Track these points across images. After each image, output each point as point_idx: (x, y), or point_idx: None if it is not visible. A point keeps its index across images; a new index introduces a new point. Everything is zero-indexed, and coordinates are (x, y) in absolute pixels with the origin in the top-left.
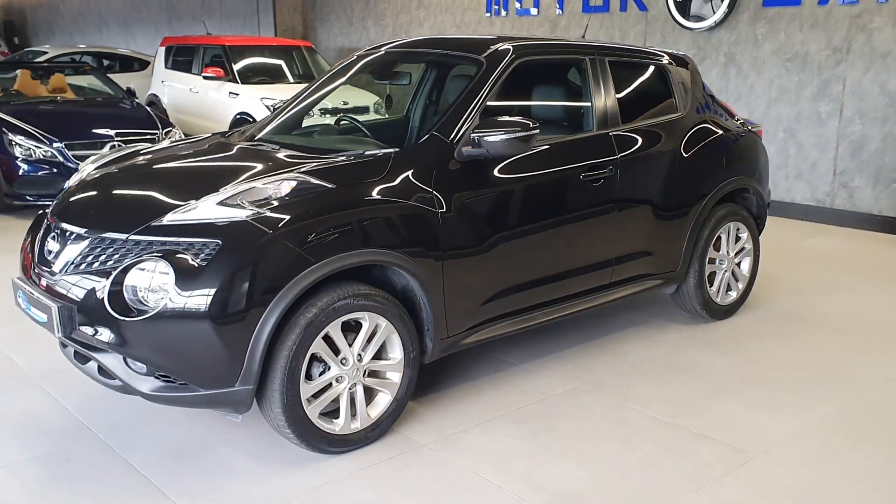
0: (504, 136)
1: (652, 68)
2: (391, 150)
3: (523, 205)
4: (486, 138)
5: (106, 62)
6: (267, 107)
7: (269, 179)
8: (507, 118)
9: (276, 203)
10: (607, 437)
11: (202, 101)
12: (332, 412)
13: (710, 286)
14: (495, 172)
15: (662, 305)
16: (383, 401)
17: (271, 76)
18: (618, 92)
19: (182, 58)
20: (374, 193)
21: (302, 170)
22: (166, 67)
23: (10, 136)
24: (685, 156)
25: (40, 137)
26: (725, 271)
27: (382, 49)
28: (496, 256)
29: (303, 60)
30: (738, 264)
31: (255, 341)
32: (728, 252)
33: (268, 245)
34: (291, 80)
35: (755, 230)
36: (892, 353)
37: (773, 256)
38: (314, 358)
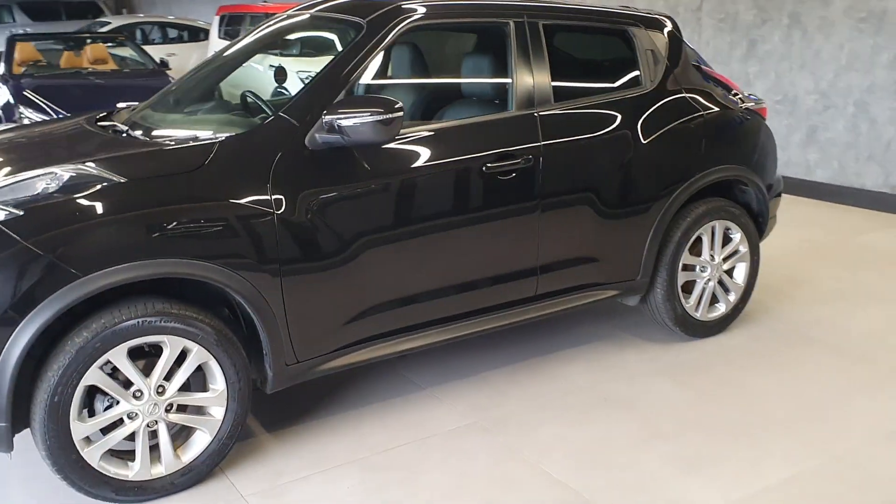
0: (360, 119)
1: (609, 33)
2: (225, 135)
3: (400, 204)
4: (339, 121)
5: (174, 32)
6: (301, 80)
7: (40, 172)
8: (367, 96)
9: (41, 202)
10: (472, 498)
11: (246, 73)
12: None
13: (688, 298)
14: (363, 164)
15: (640, 314)
16: (200, 441)
17: (317, 49)
18: (556, 62)
19: (233, 27)
20: (181, 190)
21: (89, 160)
22: (220, 37)
23: (21, 108)
24: (643, 140)
25: (48, 111)
26: (709, 280)
27: (288, 14)
28: (362, 267)
29: None
30: (730, 271)
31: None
32: (712, 257)
33: (17, 255)
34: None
35: (753, 231)
36: None
37: (813, 255)
38: (98, 390)
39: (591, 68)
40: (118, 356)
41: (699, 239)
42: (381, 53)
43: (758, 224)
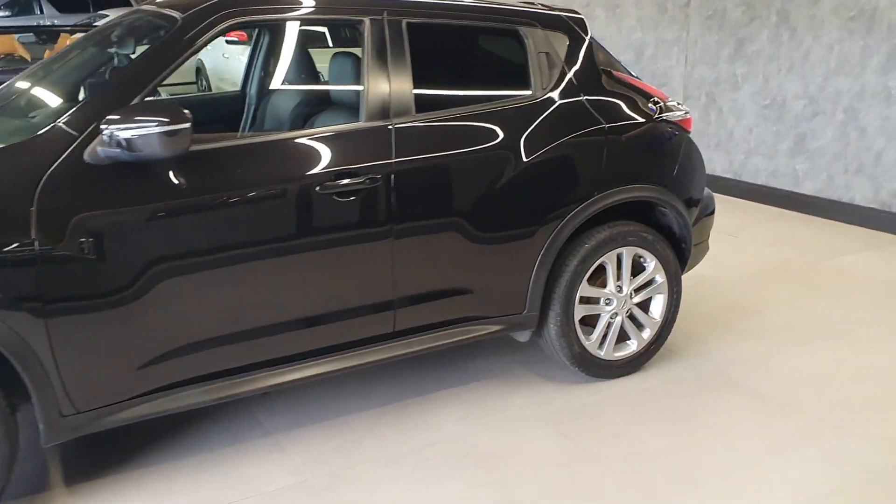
0: (141, 131)
1: (495, 33)
2: None
3: (204, 229)
4: (119, 133)
5: None
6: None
7: None
8: (150, 102)
9: None
10: None
11: (232, 68)
12: None
13: (590, 334)
14: (159, 183)
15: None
16: None
17: (307, 42)
18: (425, 67)
19: None
20: None
21: None
22: None
23: None
24: (527, 157)
25: None
26: (615, 314)
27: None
28: (159, 302)
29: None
30: (645, 304)
31: None
32: (619, 288)
33: None
34: (331, 45)
35: (672, 259)
36: (848, 454)
37: (775, 278)
38: None
39: (470, 74)
40: None
41: (603, 268)
42: (193, 53)
43: (679, 251)
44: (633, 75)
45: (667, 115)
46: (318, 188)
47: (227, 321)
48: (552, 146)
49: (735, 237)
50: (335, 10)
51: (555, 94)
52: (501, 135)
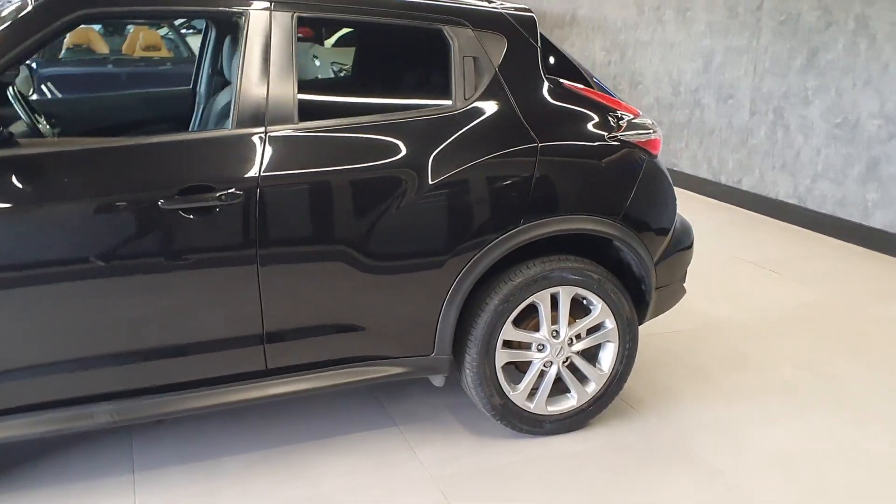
0: None
1: (412, 32)
2: None
3: (26, 243)
4: None
5: None
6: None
7: None
8: None
9: None
10: None
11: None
12: None
13: (518, 383)
14: None
15: None
16: None
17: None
18: (315, 68)
19: None
20: None
21: None
22: None
23: None
24: (434, 176)
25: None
26: (549, 362)
27: None
28: None
29: None
30: (593, 353)
31: None
32: (555, 333)
33: None
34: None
35: (624, 302)
36: None
37: (797, 325)
38: None
39: (376, 79)
40: None
41: (534, 308)
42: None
43: (638, 292)
44: (601, 86)
45: (624, 135)
46: (161, 202)
47: (56, 346)
48: (468, 165)
49: (777, 273)
50: (210, 3)
51: (478, 106)
52: (404, 150)
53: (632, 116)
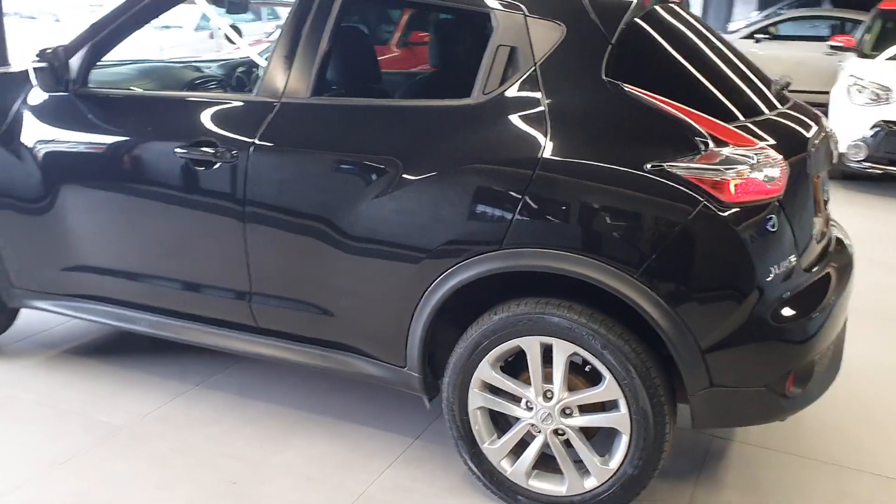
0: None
1: (459, 14)
2: None
3: (97, 165)
4: None
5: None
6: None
7: None
8: None
9: None
10: None
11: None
12: None
13: (494, 437)
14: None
15: None
16: None
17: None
18: (352, 47)
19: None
20: None
21: None
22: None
23: None
24: (418, 173)
25: None
26: (536, 428)
27: None
28: (61, 217)
29: None
30: (606, 436)
31: None
32: (547, 395)
33: None
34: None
35: (641, 384)
36: None
37: None
38: None
39: (411, 61)
40: None
41: (522, 355)
42: None
43: (673, 374)
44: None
45: (676, 166)
46: (175, 151)
47: (110, 253)
48: (460, 166)
49: None
50: None
51: (496, 102)
52: (399, 137)
53: (733, 147)
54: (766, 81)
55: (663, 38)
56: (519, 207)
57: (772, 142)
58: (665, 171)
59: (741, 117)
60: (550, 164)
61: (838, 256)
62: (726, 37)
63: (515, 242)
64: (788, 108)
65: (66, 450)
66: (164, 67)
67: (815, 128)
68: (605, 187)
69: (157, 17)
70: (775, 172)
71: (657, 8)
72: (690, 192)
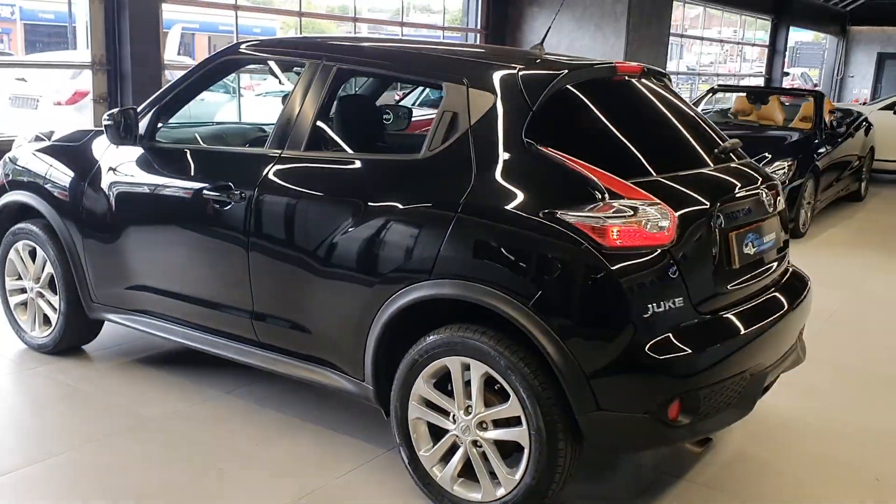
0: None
1: (424, 84)
2: None
3: (147, 202)
4: None
5: None
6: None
7: None
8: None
9: None
10: None
11: None
12: None
13: (429, 446)
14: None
15: None
16: None
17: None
18: (340, 111)
19: None
20: None
21: None
22: None
23: None
24: (375, 214)
25: None
26: (460, 439)
27: None
28: (125, 245)
29: None
30: (510, 448)
31: None
32: (468, 410)
33: None
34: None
35: (536, 404)
36: None
37: None
38: None
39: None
40: None
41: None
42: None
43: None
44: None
45: (565, 214)
46: (204, 193)
47: (162, 277)
48: (403, 208)
49: None
50: (292, 53)
51: (437, 157)
52: (364, 183)
53: (627, 199)
54: (712, 144)
55: (595, 104)
56: (443, 243)
57: (681, 196)
58: (557, 217)
59: (654, 174)
60: (469, 207)
61: (772, 303)
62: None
63: (440, 273)
64: (726, 167)
65: (99, 431)
66: (236, 128)
67: (748, 185)
68: (508, 228)
69: (211, 84)
70: (664, 223)
71: (620, 80)
72: (575, 237)
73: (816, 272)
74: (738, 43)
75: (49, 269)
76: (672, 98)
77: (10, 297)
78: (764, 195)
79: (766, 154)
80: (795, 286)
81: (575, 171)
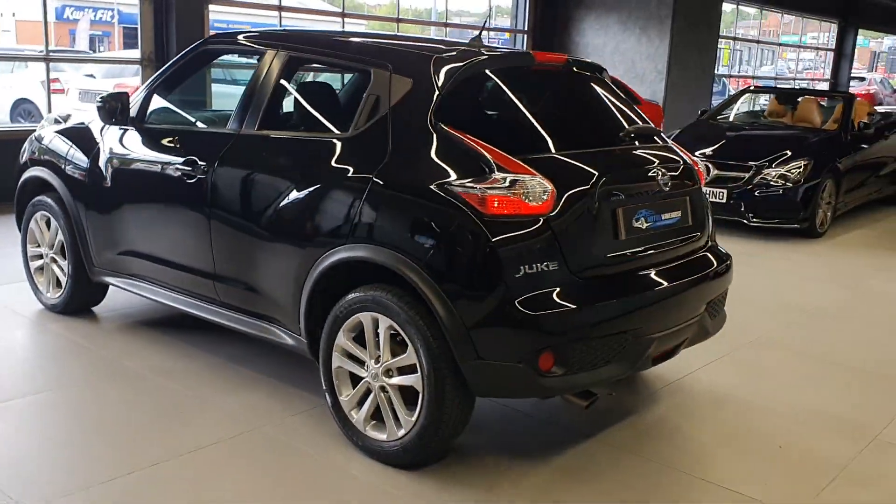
0: None
1: (356, 71)
2: None
3: (133, 176)
4: None
5: None
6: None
7: None
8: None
9: None
10: None
11: None
12: None
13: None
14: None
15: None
16: None
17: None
18: (288, 94)
19: None
20: None
21: None
22: None
23: None
24: (308, 185)
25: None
26: (371, 385)
27: None
28: (117, 214)
29: None
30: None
31: None
32: (377, 359)
33: None
34: None
35: (424, 352)
36: None
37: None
38: None
39: (319, 104)
40: None
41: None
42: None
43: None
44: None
45: (451, 185)
46: (176, 168)
47: (143, 243)
48: (330, 181)
49: None
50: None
51: (361, 136)
52: (299, 159)
53: (511, 173)
54: (620, 128)
55: (509, 90)
56: (359, 212)
57: (568, 171)
58: (446, 188)
59: (551, 152)
60: (380, 179)
61: (666, 275)
62: None
63: (357, 238)
64: (627, 150)
65: (83, 377)
66: (225, 112)
67: (642, 165)
68: (408, 198)
69: (192, 73)
70: (544, 195)
71: (540, 69)
72: (460, 205)
73: (821, 270)
74: (799, 47)
75: (60, 236)
76: (596, 88)
77: (31, 262)
78: (661, 176)
79: (787, 152)
80: (705, 263)
81: (469, 148)
